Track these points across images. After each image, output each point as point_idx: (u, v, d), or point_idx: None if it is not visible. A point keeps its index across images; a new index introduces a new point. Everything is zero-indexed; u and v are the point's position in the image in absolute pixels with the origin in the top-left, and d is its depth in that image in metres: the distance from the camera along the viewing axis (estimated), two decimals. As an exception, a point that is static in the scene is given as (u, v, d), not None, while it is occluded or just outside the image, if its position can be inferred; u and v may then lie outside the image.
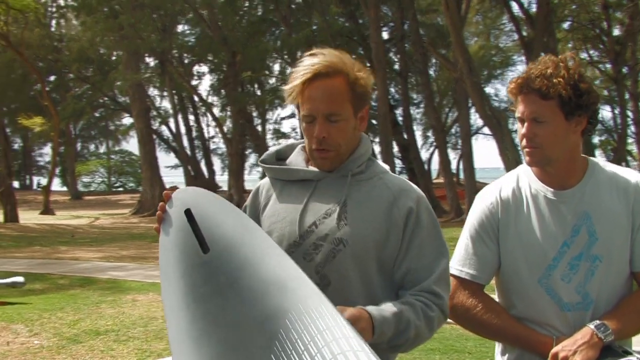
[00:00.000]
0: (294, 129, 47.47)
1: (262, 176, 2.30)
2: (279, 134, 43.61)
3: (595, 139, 39.51)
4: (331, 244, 2.02)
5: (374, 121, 38.25)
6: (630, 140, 35.38)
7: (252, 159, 48.83)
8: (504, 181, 2.33)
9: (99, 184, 58.35)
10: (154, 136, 38.65)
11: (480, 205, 2.31)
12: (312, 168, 2.17)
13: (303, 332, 1.61)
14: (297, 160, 2.22)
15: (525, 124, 2.14)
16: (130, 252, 16.60)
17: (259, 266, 1.78)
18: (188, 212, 1.92)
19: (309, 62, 2.04)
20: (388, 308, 1.92)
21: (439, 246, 2.09)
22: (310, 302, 1.68)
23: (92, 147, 62.26)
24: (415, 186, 2.16)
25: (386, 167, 2.21)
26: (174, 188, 2.05)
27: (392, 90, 37.68)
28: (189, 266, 1.82)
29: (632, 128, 33.31)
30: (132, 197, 44.89)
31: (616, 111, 36.42)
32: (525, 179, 2.28)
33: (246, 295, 1.73)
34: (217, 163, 51.82)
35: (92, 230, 25.63)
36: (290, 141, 2.34)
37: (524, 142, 2.16)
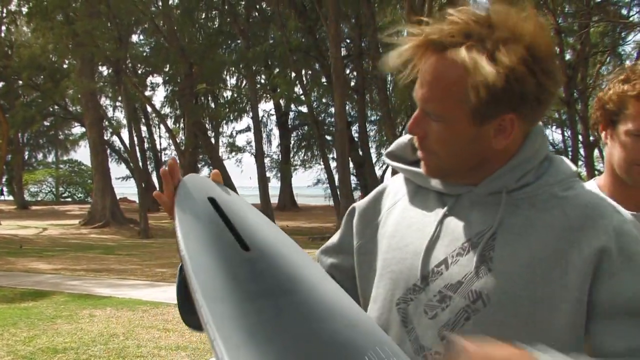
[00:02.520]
0: (248, 143, 47.27)
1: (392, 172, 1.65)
2: (233, 147, 43.26)
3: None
4: (465, 299, 1.34)
5: (328, 137, 38.45)
6: (580, 162, 35.99)
7: (204, 172, 48.43)
8: None
9: (47, 193, 57.08)
10: (106, 147, 38.02)
11: None
12: None
13: None
14: None
15: None
16: (83, 264, 16.13)
17: (312, 285, 1.36)
18: (213, 201, 1.47)
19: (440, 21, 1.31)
20: None
21: None
22: (388, 347, 1.28)
23: (39, 156, 60.90)
24: (617, 208, 1.39)
25: (571, 170, 1.43)
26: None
27: (347, 107, 37.79)
28: (227, 258, 1.36)
29: (582, 151, 33.87)
30: (81, 207, 44.01)
31: (567, 134, 37.07)
32: None
33: (305, 311, 1.31)
34: (168, 175, 51.03)
35: (41, 240, 24.94)
36: None
37: None
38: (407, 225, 1.47)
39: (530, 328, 1.30)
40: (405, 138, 1.55)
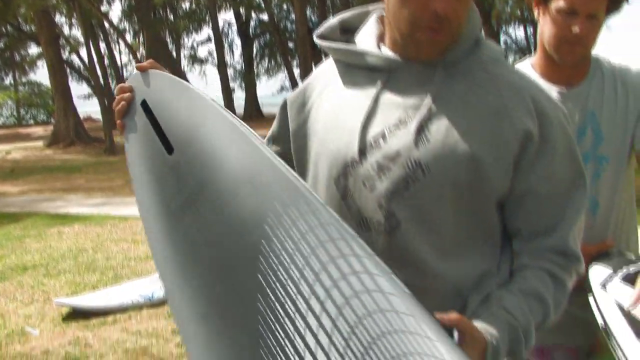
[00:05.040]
0: (210, 54, 46.58)
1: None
2: (195, 59, 42.65)
3: (510, 59, 40.17)
4: (403, 168, 1.35)
5: (290, 44, 37.98)
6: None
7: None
8: None
9: (8, 117, 56.12)
10: (65, 65, 37.22)
11: None
12: (385, 51, 1.46)
13: (286, 240, 1.22)
14: (367, 35, 1.51)
15: (579, 20, 1.91)
16: (49, 184, 16.04)
17: (223, 159, 1.34)
18: (144, 105, 1.47)
19: None
20: (500, 315, 1.30)
21: (575, 174, 1.44)
22: (287, 196, 1.26)
23: (-3, 79, 59.51)
24: (540, 87, 1.47)
25: (499, 48, 1.48)
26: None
27: (308, 12, 37.22)
28: (158, 173, 1.40)
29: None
30: (45, 129, 43.36)
31: (529, 31, 36.96)
32: None
33: (217, 201, 1.31)
34: (131, 91, 50.26)
35: (5, 164, 24.67)
36: (363, 8, 1.57)
37: (570, 38, 1.93)
38: (342, 105, 1.47)
39: (466, 199, 1.36)
40: (334, 20, 1.55)
